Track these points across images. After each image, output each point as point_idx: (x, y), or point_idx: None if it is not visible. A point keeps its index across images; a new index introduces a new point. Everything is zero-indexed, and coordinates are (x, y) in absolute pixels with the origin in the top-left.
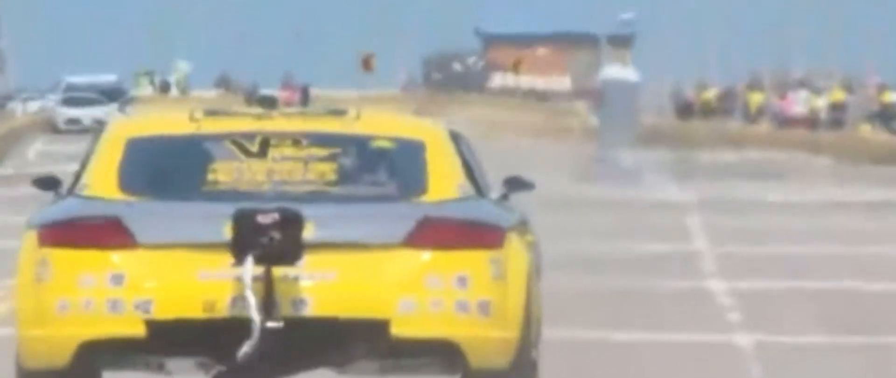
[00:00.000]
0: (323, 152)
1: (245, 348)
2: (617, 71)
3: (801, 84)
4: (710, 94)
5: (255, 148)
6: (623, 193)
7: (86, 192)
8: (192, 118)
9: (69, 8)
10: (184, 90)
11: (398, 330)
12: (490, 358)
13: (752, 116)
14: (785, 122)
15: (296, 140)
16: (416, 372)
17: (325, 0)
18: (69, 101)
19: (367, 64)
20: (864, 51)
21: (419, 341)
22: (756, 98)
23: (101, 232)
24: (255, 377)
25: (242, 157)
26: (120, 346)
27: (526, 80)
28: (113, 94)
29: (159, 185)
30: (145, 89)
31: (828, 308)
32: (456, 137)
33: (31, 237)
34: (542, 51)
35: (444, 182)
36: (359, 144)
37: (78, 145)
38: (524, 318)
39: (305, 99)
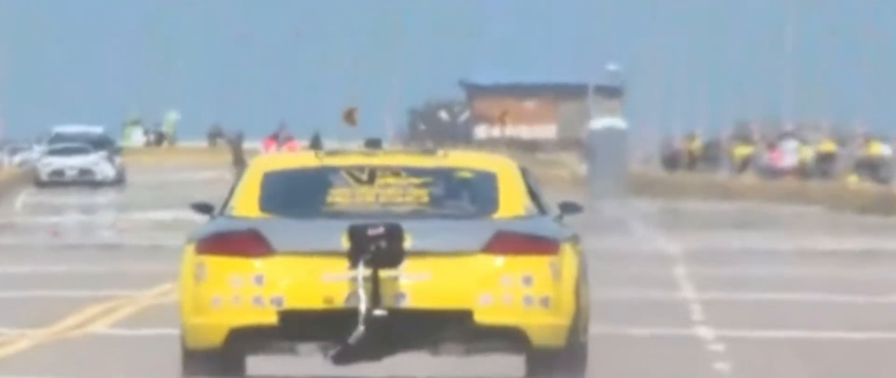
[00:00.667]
0: (417, 181)
1: (356, 333)
2: (605, 121)
3: (790, 135)
4: (696, 144)
5: (365, 177)
6: (610, 242)
7: (233, 213)
8: (316, 155)
9: (58, 59)
10: (171, 140)
11: (479, 318)
12: (549, 340)
13: (737, 167)
14: (773, 173)
15: (396, 171)
16: (491, 352)
17: (314, 50)
18: (55, 152)
19: (349, 117)
20: (852, 103)
21: (495, 327)
22: (742, 149)
23: (246, 242)
24: (365, 357)
25: (355, 184)
26: (259, 333)
27: (511, 130)
28: (101, 144)
29: (290, 206)
30: (137, 139)
31: (816, 357)
32: (524, 170)
33: (190, 248)
34: (529, 102)
35: (512, 203)
36: (446, 175)
37: (64, 197)
38: (575, 310)
39: (316, 146)
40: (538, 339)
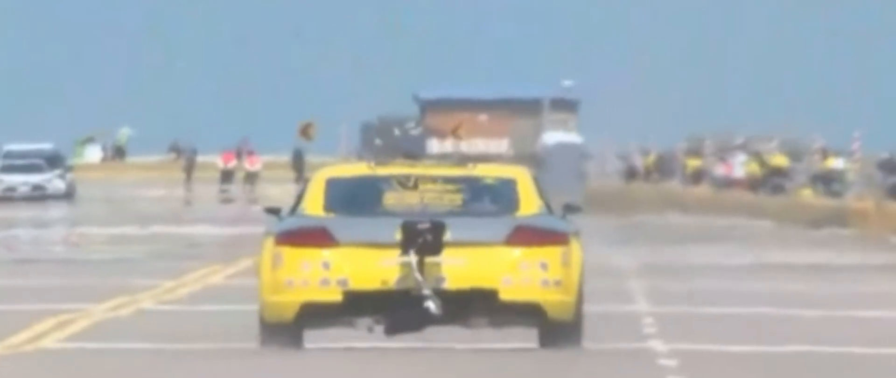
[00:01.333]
0: (453, 187)
1: (434, 306)
2: (560, 135)
3: (740, 148)
4: (651, 158)
5: (411, 184)
6: None
7: (303, 213)
8: (368, 166)
9: (8, 76)
10: (122, 156)
11: (504, 296)
12: (561, 315)
13: (690, 179)
14: (726, 184)
15: (434, 179)
16: (512, 326)
17: (268, 66)
18: (8, 169)
19: (305, 133)
20: (807, 116)
21: (517, 303)
22: (694, 162)
23: (315, 236)
24: (411, 329)
25: (402, 189)
26: (325, 308)
27: (465, 146)
28: (52, 162)
29: (350, 206)
30: (92, 156)
31: (770, 371)
32: (535, 178)
33: (270, 240)
34: (482, 116)
35: (529, 204)
36: (475, 181)
37: (15, 212)
38: (579, 289)
39: (301, 167)
40: (552, 313)
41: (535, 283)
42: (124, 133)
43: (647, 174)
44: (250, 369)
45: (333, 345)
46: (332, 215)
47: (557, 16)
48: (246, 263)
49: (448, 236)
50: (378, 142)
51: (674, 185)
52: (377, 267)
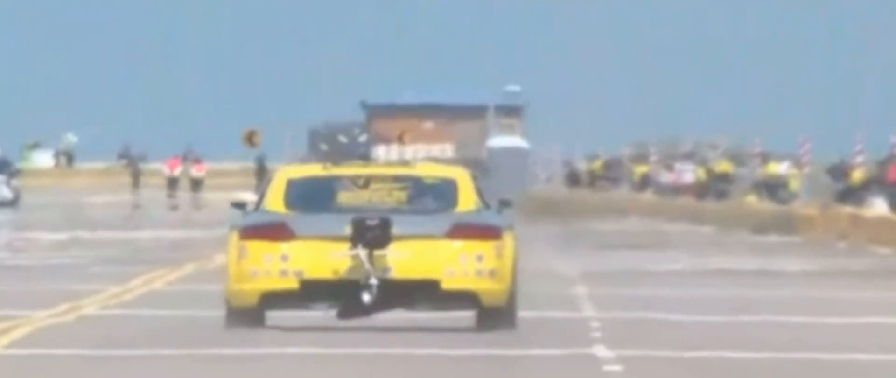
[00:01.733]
0: (399, 186)
1: (370, 294)
2: (505, 140)
3: (687, 155)
4: (598, 164)
5: (362, 183)
6: None
7: (266, 209)
8: (324, 167)
9: None
10: (68, 161)
11: (445, 286)
12: (495, 301)
13: (637, 185)
14: (672, 190)
15: (383, 179)
16: (452, 311)
17: (215, 72)
18: None
19: (250, 139)
20: (751, 122)
21: (456, 292)
22: (640, 168)
23: (275, 230)
24: (361, 313)
25: (354, 188)
26: (284, 296)
27: (410, 151)
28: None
29: (307, 204)
30: (42, 161)
31: (714, 376)
32: (473, 177)
33: (234, 234)
34: (428, 122)
35: (467, 201)
36: (419, 181)
37: None
38: (512, 278)
39: (262, 170)
40: (487, 300)
41: (472, 273)
42: (69, 139)
43: (593, 180)
44: (193, 374)
45: (285, 350)
46: (290, 211)
47: (504, 21)
48: (190, 268)
49: (394, 231)
50: (324, 147)
51: (620, 192)
52: (330, 258)
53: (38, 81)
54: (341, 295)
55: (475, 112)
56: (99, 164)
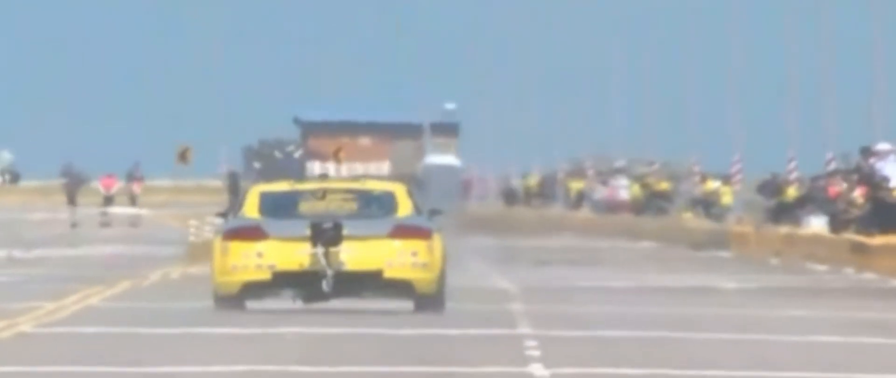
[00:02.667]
0: (350, 197)
1: (327, 283)
2: (440, 158)
3: (621, 171)
4: (533, 181)
5: (320, 195)
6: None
7: (243, 216)
8: (289, 183)
9: None
10: (12, 179)
11: (387, 275)
12: (426, 288)
13: (572, 202)
14: (608, 207)
15: (337, 192)
16: (393, 297)
17: (144, 88)
18: None
19: (183, 157)
20: (686, 140)
21: (395, 280)
22: (576, 185)
23: (252, 232)
24: (321, 299)
25: (314, 199)
26: (260, 285)
27: (345, 169)
28: None
29: (277, 211)
30: None
31: None
32: (409, 190)
33: (219, 237)
34: (363, 139)
35: (404, 208)
36: (366, 193)
37: None
38: (441, 270)
39: (235, 186)
40: (419, 287)
41: (408, 265)
42: (5, 157)
43: (529, 197)
44: None
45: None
46: (263, 218)
47: (439, 37)
48: (125, 285)
49: (346, 232)
50: (257, 165)
51: (556, 209)
52: (295, 254)
53: None
54: (305, 284)
55: (411, 130)
56: (44, 182)
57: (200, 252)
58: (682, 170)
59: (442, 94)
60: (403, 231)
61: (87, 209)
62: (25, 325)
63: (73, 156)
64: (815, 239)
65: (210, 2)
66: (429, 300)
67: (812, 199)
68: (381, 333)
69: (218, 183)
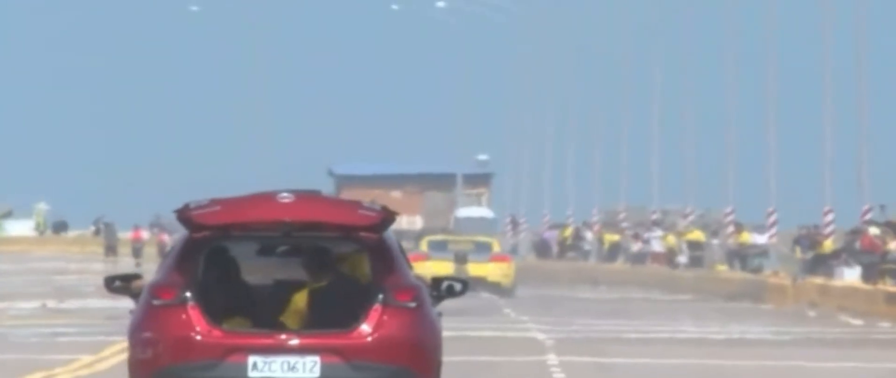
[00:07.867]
0: (470, 242)
1: None
2: (472, 210)
3: (656, 223)
4: (567, 232)
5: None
6: (482, 329)
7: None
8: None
9: None
10: (43, 230)
11: (490, 280)
12: (507, 286)
13: (606, 254)
14: (643, 259)
15: (461, 242)
16: (490, 291)
17: (185, 141)
18: None
19: None
20: (720, 192)
21: (493, 282)
22: (610, 237)
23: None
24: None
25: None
26: None
27: None
28: None
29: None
30: (15, 229)
31: None
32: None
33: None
34: (395, 192)
35: (495, 247)
36: (476, 240)
37: None
38: (514, 277)
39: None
40: (503, 286)
41: (499, 274)
42: (41, 208)
43: (564, 250)
44: None
45: None
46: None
47: (472, 89)
48: None
49: (469, 258)
50: None
51: (590, 262)
52: (443, 270)
53: (9, 147)
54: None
55: (443, 182)
56: (73, 233)
57: None
58: (715, 221)
59: (475, 144)
60: (496, 258)
61: (124, 260)
62: (63, 377)
63: (101, 208)
64: (850, 290)
65: (244, 57)
66: (506, 291)
67: (846, 250)
68: None
69: None
